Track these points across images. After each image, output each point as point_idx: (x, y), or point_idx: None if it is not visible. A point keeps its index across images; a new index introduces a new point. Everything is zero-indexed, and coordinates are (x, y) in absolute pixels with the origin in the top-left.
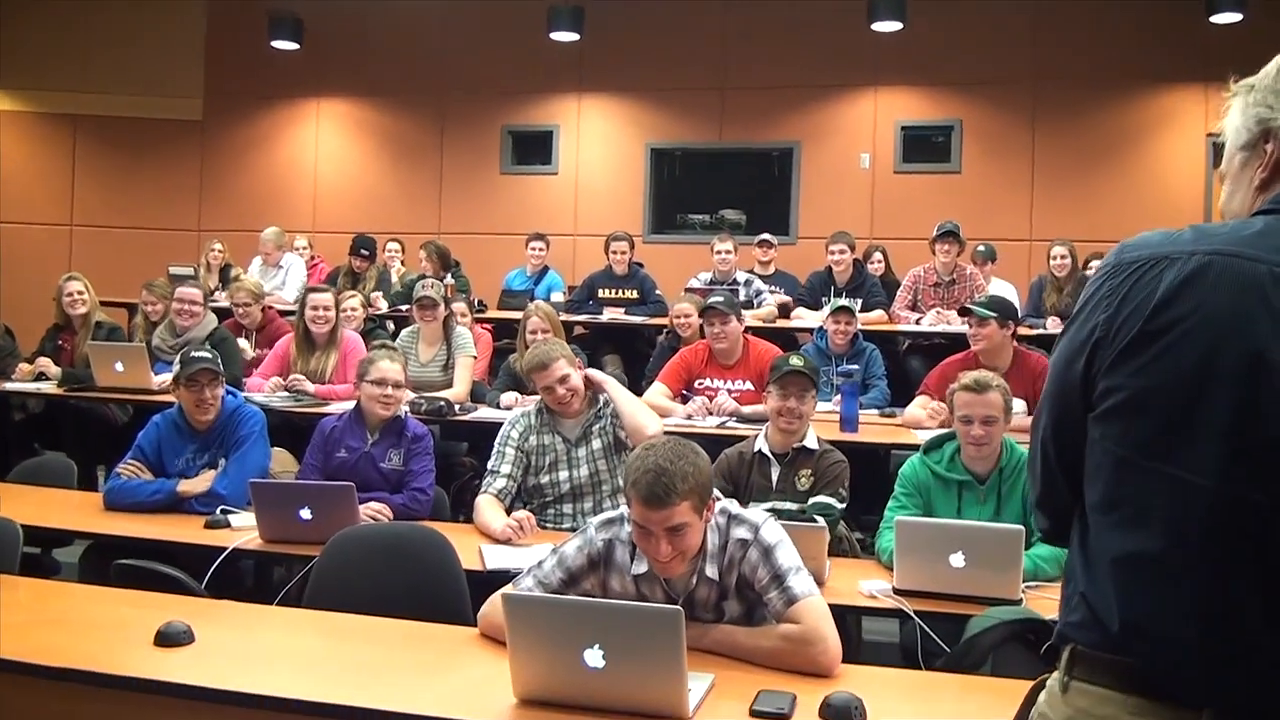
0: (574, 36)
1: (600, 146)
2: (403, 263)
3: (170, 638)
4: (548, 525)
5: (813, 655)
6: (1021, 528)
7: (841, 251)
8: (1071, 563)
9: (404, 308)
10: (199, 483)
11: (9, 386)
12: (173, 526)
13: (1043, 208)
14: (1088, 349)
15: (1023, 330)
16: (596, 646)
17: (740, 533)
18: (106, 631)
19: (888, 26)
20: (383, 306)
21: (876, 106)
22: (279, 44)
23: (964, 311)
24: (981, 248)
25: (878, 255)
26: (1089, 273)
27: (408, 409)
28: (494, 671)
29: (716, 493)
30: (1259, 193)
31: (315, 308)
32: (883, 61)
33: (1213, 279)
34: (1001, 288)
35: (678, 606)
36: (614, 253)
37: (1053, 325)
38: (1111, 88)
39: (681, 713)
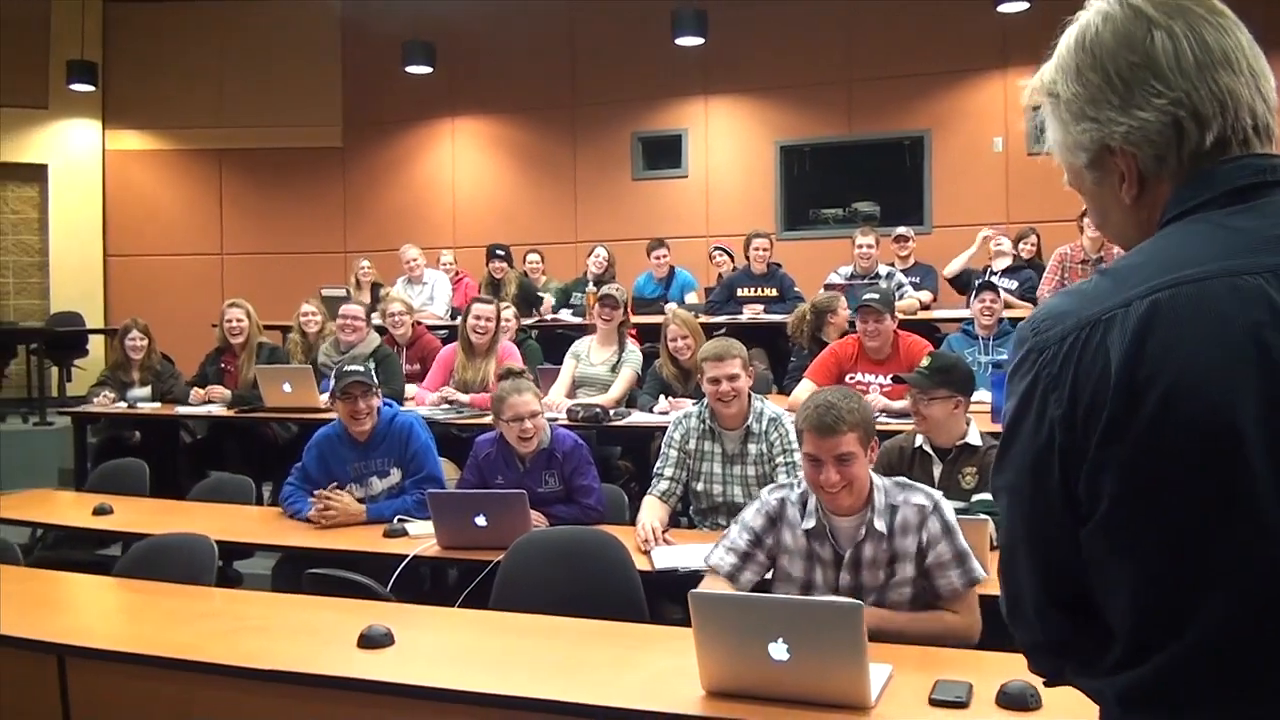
0: (698, 40)
1: (729, 147)
2: (544, 273)
3: (373, 640)
4: (705, 526)
5: (968, 641)
6: None
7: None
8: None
9: (549, 317)
10: (356, 513)
11: (181, 410)
12: (355, 536)
13: None
14: (1056, 458)
15: None
16: (780, 640)
17: (918, 499)
18: (310, 636)
19: (1013, 7)
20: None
21: (1006, 88)
22: (412, 69)
23: None
24: None
25: (1032, 237)
26: None
27: (562, 416)
28: (678, 665)
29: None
30: (1135, 207)
31: (478, 317)
32: (1010, 43)
33: (1168, 324)
34: None
35: (859, 601)
36: (755, 249)
37: None
38: None
39: (864, 702)
